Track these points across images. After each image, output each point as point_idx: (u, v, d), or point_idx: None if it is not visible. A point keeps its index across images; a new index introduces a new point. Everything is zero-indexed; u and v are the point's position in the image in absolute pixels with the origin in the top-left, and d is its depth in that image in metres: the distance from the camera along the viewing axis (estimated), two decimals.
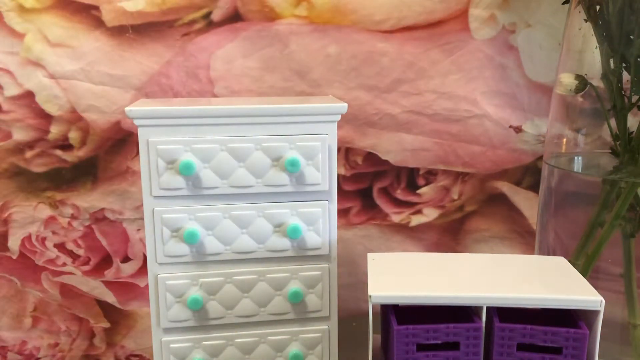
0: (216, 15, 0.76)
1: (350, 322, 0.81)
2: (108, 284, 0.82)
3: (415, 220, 0.83)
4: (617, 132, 0.64)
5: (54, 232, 0.79)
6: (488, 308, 0.52)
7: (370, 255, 0.60)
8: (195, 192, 0.60)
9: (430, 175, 0.82)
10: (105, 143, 0.78)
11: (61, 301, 0.82)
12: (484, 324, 0.52)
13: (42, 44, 0.74)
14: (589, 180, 0.70)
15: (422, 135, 0.80)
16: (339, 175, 0.80)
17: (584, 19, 0.64)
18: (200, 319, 0.62)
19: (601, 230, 0.65)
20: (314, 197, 0.62)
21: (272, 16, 0.76)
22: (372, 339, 0.53)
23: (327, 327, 0.64)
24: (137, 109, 0.58)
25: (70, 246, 0.80)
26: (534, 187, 0.82)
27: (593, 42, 0.64)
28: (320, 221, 0.62)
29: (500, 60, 0.79)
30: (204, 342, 0.62)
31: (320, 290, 0.63)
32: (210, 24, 0.76)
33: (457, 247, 0.85)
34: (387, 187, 0.82)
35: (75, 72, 0.75)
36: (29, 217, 0.79)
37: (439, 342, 0.52)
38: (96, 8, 0.74)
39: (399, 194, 0.82)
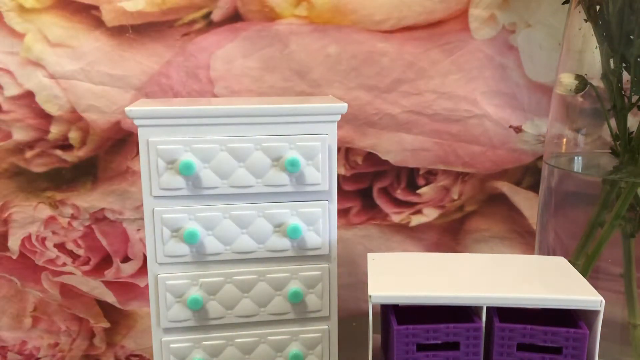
0: (216, 15, 0.76)
1: (350, 322, 0.81)
2: (108, 284, 0.82)
3: (415, 220, 0.83)
4: (617, 132, 0.64)
5: (54, 232, 0.79)
6: (488, 308, 0.52)
7: (370, 255, 0.60)
8: (195, 192, 0.60)
9: (430, 175, 0.82)
10: (105, 143, 0.78)
11: (61, 301, 0.82)
12: (484, 324, 0.52)
13: (42, 44, 0.74)
14: (589, 180, 0.70)
15: (422, 135, 0.80)
16: (339, 175, 0.80)
17: (584, 19, 0.64)
18: (200, 319, 0.62)
19: (601, 230, 0.65)
20: (314, 197, 0.62)
21: (272, 16, 0.76)
22: (372, 339, 0.53)
23: (327, 327, 0.64)
24: (137, 109, 0.58)
25: (70, 246, 0.80)
26: (534, 187, 0.82)
27: (593, 42, 0.64)
28: (320, 221, 0.62)
29: (500, 60, 0.79)
30: (204, 342, 0.62)
31: (320, 290, 0.63)
32: (210, 24, 0.76)
33: (457, 247, 0.85)
34: (387, 187, 0.82)
35: (75, 72, 0.75)
36: (29, 217, 0.79)
37: (439, 342, 0.52)
38: (96, 8, 0.74)
39: (399, 194, 0.82)
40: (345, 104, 0.60)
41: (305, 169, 0.60)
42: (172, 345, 0.62)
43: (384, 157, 0.81)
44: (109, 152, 0.78)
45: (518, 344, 0.51)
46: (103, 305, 0.82)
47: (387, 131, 0.80)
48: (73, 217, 0.79)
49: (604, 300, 0.50)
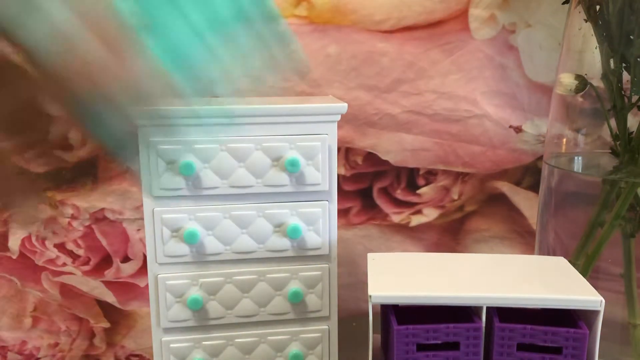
0: None
1: (350, 322, 0.81)
2: (108, 284, 0.82)
3: (415, 220, 0.83)
4: (617, 132, 0.64)
5: (54, 232, 0.79)
6: (488, 308, 0.52)
7: (370, 255, 0.60)
8: (195, 192, 0.60)
9: (430, 175, 0.82)
10: None
11: (61, 301, 0.82)
12: (484, 324, 0.52)
13: None
14: (589, 180, 0.70)
15: (422, 135, 0.80)
16: (339, 175, 0.79)
17: (584, 19, 0.64)
18: (200, 319, 0.62)
19: (601, 230, 0.65)
20: (314, 197, 0.62)
21: None
22: (372, 339, 0.53)
23: (327, 327, 0.64)
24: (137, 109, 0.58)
25: (70, 246, 0.80)
26: (534, 187, 0.82)
27: (593, 42, 0.64)
28: (320, 221, 0.62)
29: (500, 60, 0.79)
30: (204, 342, 0.62)
31: (320, 290, 0.63)
32: None
33: (457, 247, 0.85)
34: (387, 187, 0.82)
35: None
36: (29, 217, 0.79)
37: (439, 342, 0.52)
38: None
39: (399, 194, 0.82)
40: (345, 104, 0.60)
41: (305, 169, 0.60)
42: (172, 345, 0.62)
43: (384, 157, 0.81)
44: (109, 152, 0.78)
45: (518, 344, 0.51)
46: (103, 305, 0.82)
47: (387, 131, 0.80)
48: (73, 217, 0.79)
49: (604, 300, 0.50)
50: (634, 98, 0.62)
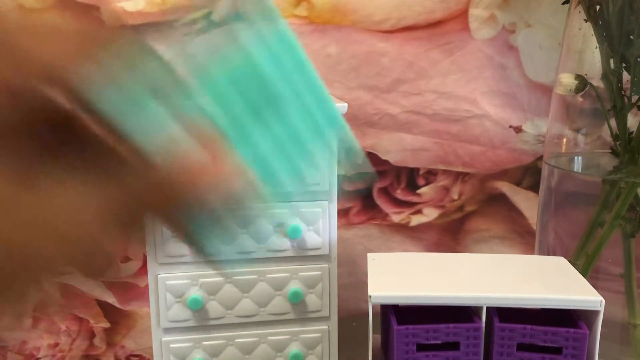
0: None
1: (350, 322, 0.81)
2: (108, 284, 0.82)
3: (415, 220, 0.83)
4: (617, 132, 0.64)
5: None
6: (488, 308, 0.52)
7: (370, 255, 0.60)
8: None
9: (430, 175, 0.82)
10: None
11: (61, 301, 0.82)
12: (484, 324, 0.52)
13: None
14: (589, 180, 0.70)
15: (422, 135, 0.80)
16: (338, 175, 0.79)
17: (584, 19, 0.64)
18: (200, 319, 0.62)
19: (601, 230, 0.65)
20: (314, 197, 0.62)
21: None
22: (372, 339, 0.53)
23: (327, 327, 0.64)
24: None
25: None
26: (534, 187, 0.82)
27: (593, 42, 0.64)
28: (320, 221, 0.62)
29: (500, 60, 0.79)
30: (204, 342, 0.62)
31: (320, 290, 0.63)
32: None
33: (457, 247, 0.85)
34: (387, 187, 0.82)
35: None
36: None
37: (439, 342, 0.52)
38: (97, 9, 0.74)
39: (399, 194, 0.82)
40: (345, 104, 0.60)
41: None
42: (172, 345, 0.62)
43: (383, 157, 0.81)
44: None
45: (518, 344, 0.51)
46: (103, 305, 0.82)
47: (387, 131, 0.80)
48: None
49: (604, 300, 0.50)
50: (634, 98, 0.62)
